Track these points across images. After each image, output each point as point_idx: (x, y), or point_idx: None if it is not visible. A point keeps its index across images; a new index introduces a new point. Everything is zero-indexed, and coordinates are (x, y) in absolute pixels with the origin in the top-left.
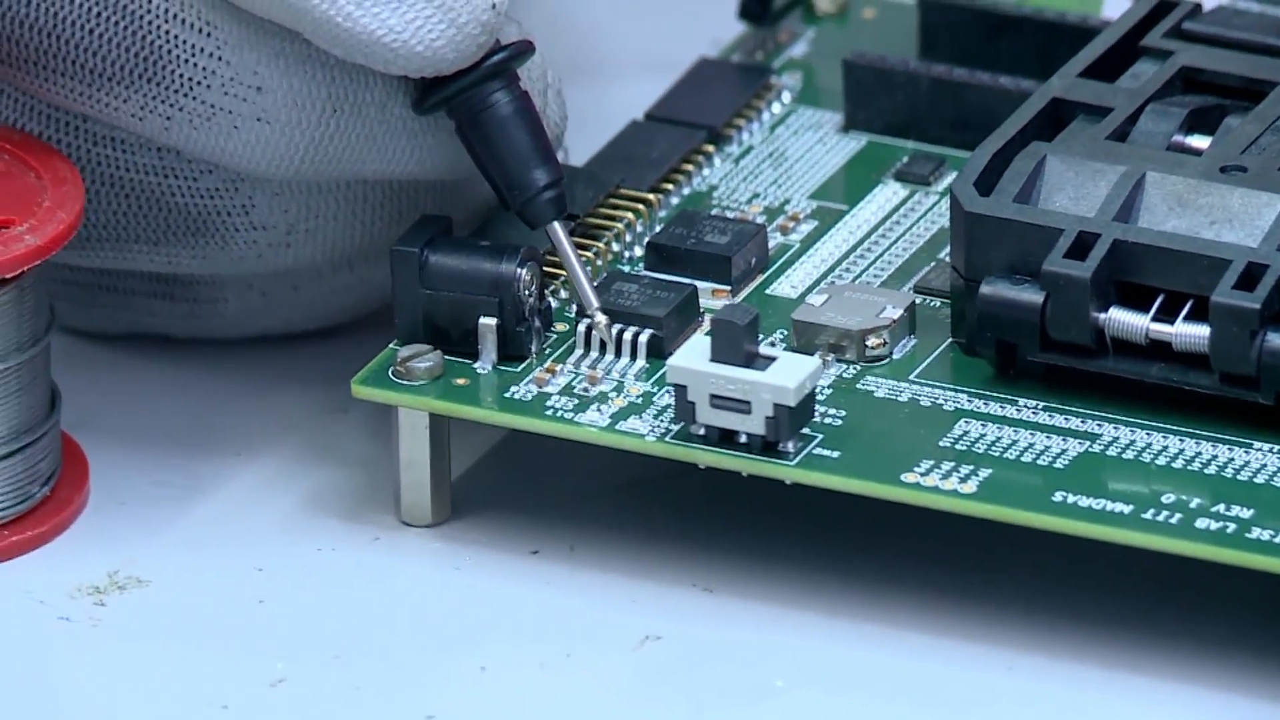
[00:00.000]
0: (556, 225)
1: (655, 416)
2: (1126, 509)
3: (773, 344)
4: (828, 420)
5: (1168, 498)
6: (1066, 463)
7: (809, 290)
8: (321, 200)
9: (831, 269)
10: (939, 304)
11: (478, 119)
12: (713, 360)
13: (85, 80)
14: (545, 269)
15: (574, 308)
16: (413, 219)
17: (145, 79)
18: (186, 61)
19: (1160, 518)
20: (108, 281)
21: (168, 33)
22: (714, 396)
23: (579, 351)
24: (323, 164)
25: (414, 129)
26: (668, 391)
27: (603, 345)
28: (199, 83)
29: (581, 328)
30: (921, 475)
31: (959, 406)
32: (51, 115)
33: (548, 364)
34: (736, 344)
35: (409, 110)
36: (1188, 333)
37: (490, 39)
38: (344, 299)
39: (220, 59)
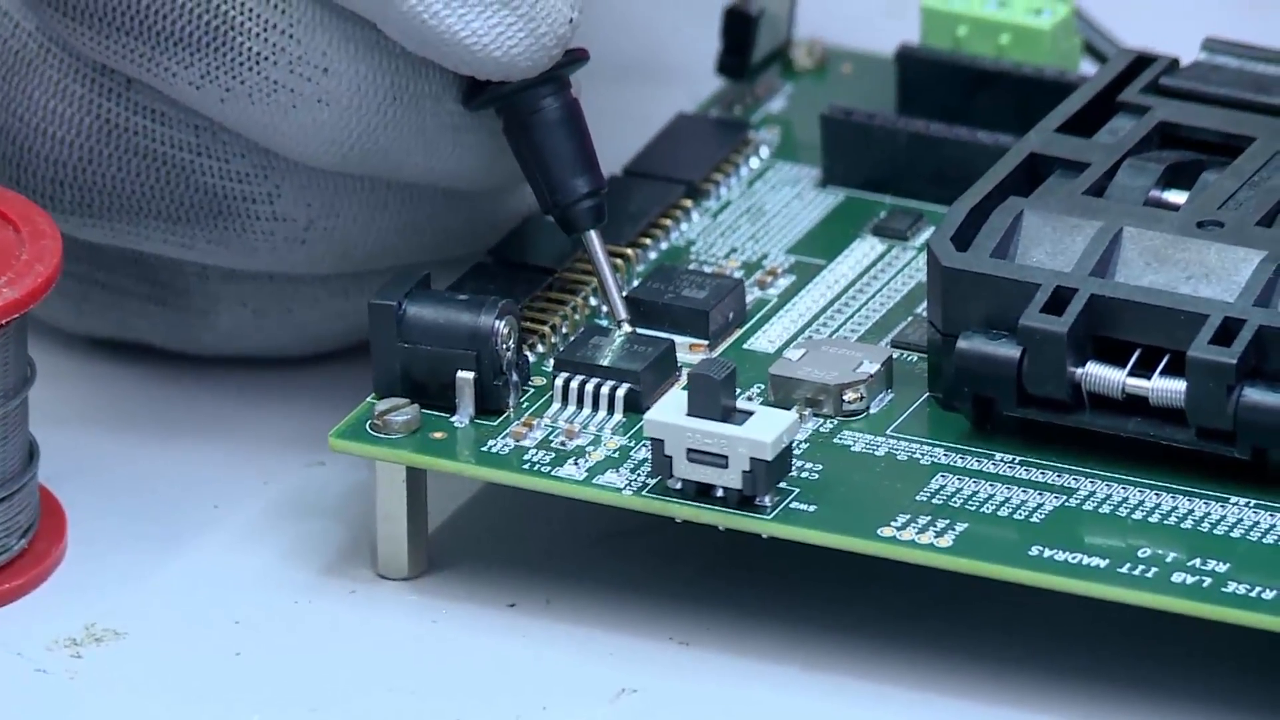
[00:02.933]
0: (593, 234)
1: (632, 470)
2: (1102, 563)
3: (750, 398)
4: (805, 474)
5: (1144, 552)
6: (1043, 517)
7: (786, 345)
8: (344, 200)
9: (809, 324)
10: (916, 359)
11: (528, 121)
12: (690, 414)
13: (149, 41)
14: (524, 323)
15: (551, 362)
16: (427, 233)
17: (212, 48)
18: (257, 35)
19: (1136, 572)
20: (103, 278)
21: (243, 4)
22: (691, 450)
23: (556, 405)
24: (370, 154)
25: (462, 126)
26: (645, 445)
27: (580, 398)
28: (266, 58)
29: (559, 381)
30: (898, 529)
31: (936, 461)
32: (97, 79)
33: (525, 417)
34: (714, 398)
35: (459, 106)
36: (1164, 387)
37: (562, 50)
38: (335, 326)
39: (291, 37)
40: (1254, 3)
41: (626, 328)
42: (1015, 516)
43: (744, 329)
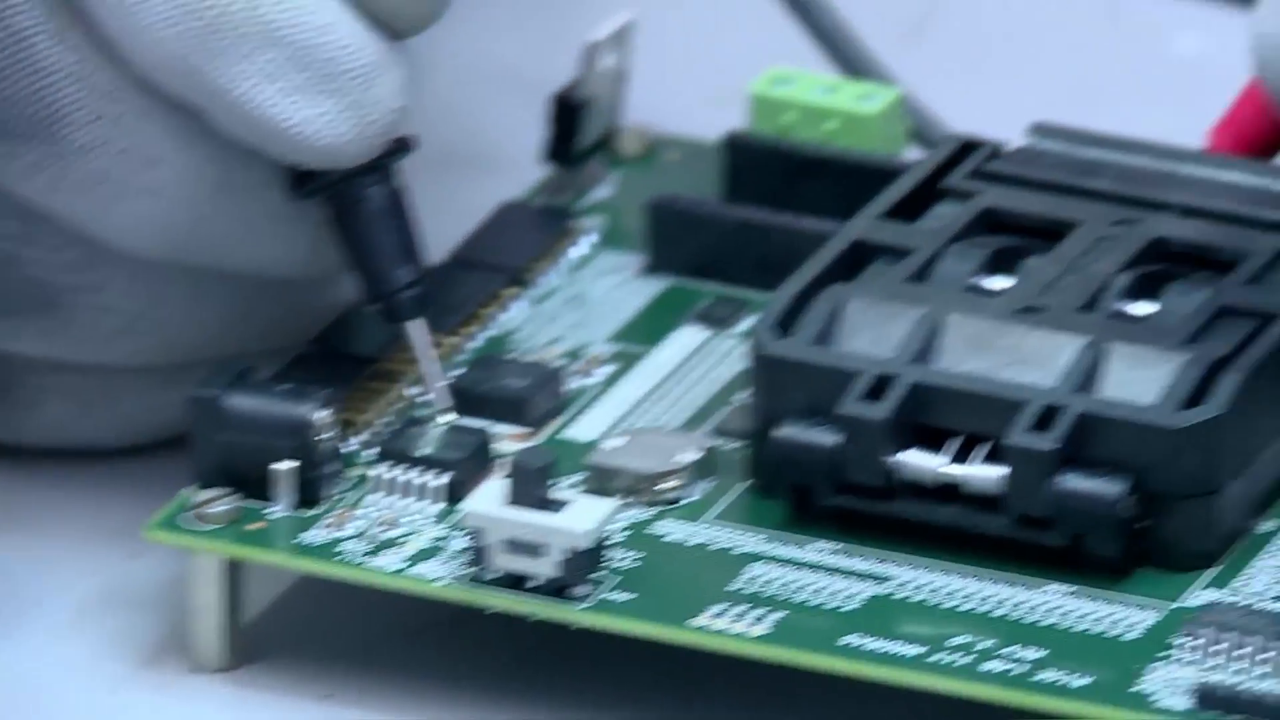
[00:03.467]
0: (415, 323)
1: (450, 560)
2: (916, 651)
3: (568, 488)
4: (621, 564)
5: (957, 639)
6: (858, 605)
7: (607, 433)
8: (171, 290)
9: (629, 412)
10: (736, 447)
11: (352, 210)
12: (508, 504)
13: None
14: (344, 412)
15: (371, 451)
16: (253, 323)
17: (41, 139)
18: (86, 126)
19: (949, 660)
20: None
21: (73, 95)
22: (508, 540)
23: (375, 495)
24: (197, 245)
25: (288, 216)
26: (464, 535)
27: (400, 488)
28: (95, 149)
29: (378, 471)
30: (713, 618)
31: (752, 550)
32: None
33: (344, 508)
34: (532, 488)
35: (286, 196)
36: (982, 475)
37: (389, 138)
38: (159, 417)
39: (120, 128)
40: (1079, 89)
41: (448, 417)
42: (831, 605)
43: (564, 418)
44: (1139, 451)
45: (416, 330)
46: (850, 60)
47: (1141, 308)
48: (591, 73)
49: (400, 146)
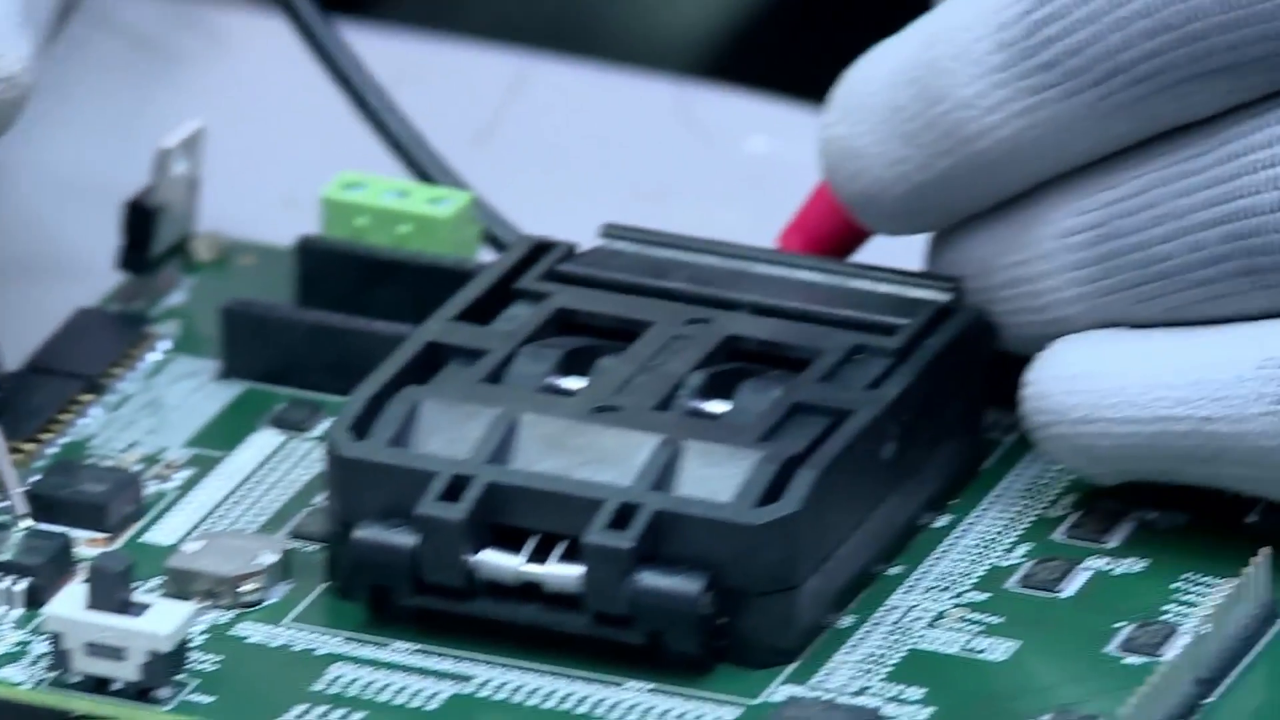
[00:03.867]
0: None
1: (32, 664)
2: None
3: (148, 591)
4: (202, 666)
5: None
6: (439, 704)
7: (185, 537)
8: None
9: (207, 515)
10: (315, 549)
11: None
12: (88, 608)
13: None
14: None
15: None
16: None
17: None
18: None
19: None
20: None
21: None
22: (89, 644)
23: None
24: None
25: None
26: (44, 639)
27: None
28: None
29: None
30: (297, 719)
31: (333, 650)
32: None
33: None
34: (112, 591)
35: None
36: (560, 574)
37: None
38: None
39: None
40: (649, 190)
41: (26, 522)
42: (412, 704)
43: (143, 522)
44: (716, 548)
45: None
46: (420, 165)
47: (716, 406)
48: (164, 179)
49: None
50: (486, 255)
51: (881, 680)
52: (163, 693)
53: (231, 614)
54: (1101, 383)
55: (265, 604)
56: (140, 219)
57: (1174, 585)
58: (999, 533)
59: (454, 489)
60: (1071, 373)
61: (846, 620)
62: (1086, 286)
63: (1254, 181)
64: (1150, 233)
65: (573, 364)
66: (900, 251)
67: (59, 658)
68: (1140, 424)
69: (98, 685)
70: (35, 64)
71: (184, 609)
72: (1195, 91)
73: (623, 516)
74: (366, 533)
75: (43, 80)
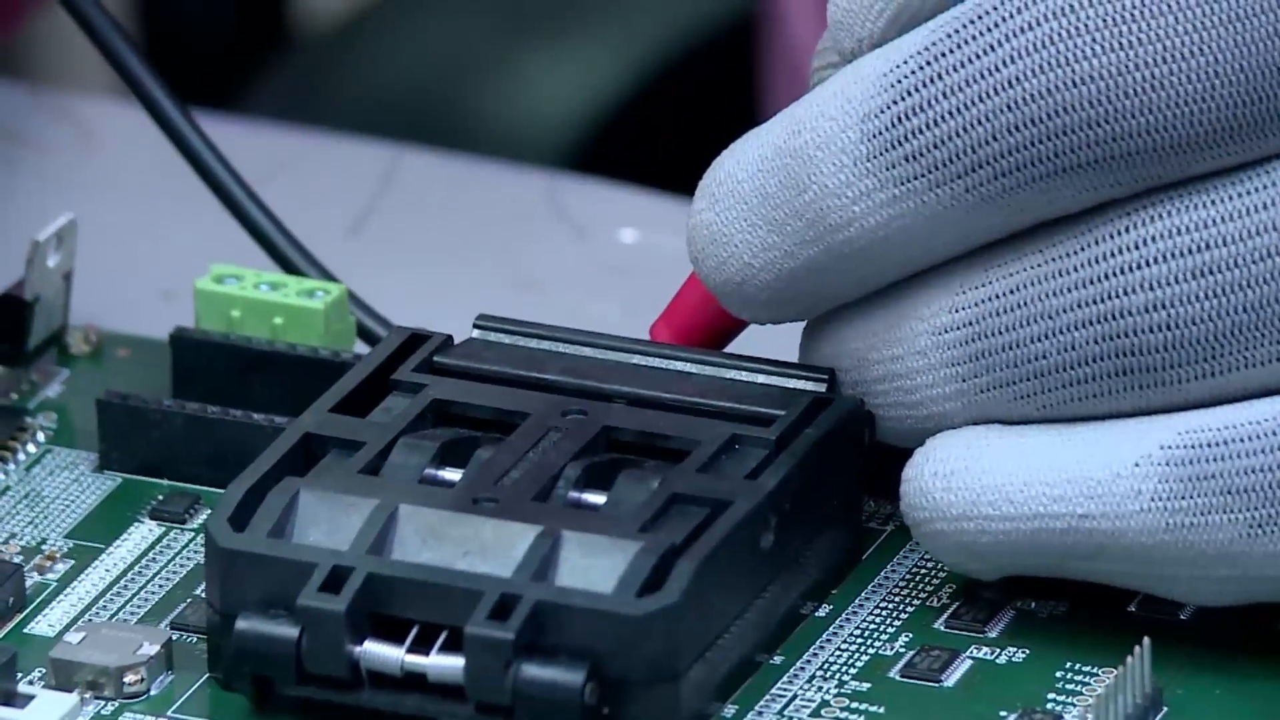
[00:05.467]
0: None
1: None
2: None
3: (31, 682)
4: None
5: None
6: None
7: (67, 628)
8: None
9: (89, 606)
10: (196, 639)
11: None
12: None
13: None
14: None
15: None
16: None
17: None
18: None
19: None
20: None
21: None
22: None
23: None
24: None
25: None
26: None
27: None
28: None
29: None
30: None
31: None
32: None
33: None
34: None
35: None
36: (442, 664)
37: None
38: None
39: None
40: (522, 281)
41: None
42: None
43: (24, 613)
44: (598, 639)
45: None
46: (286, 258)
47: (594, 497)
48: (37, 272)
49: None
50: (361, 348)
51: None
52: None
53: (115, 705)
54: (979, 480)
55: (148, 695)
56: (14, 312)
57: (1057, 674)
58: (880, 622)
59: (335, 580)
60: (949, 469)
61: (730, 710)
62: (961, 384)
63: (1125, 282)
64: (1023, 331)
65: (450, 455)
66: (777, 343)
67: None
68: (1018, 521)
69: None
70: None
71: (68, 700)
72: (1062, 186)
73: (504, 607)
74: (248, 623)
75: None
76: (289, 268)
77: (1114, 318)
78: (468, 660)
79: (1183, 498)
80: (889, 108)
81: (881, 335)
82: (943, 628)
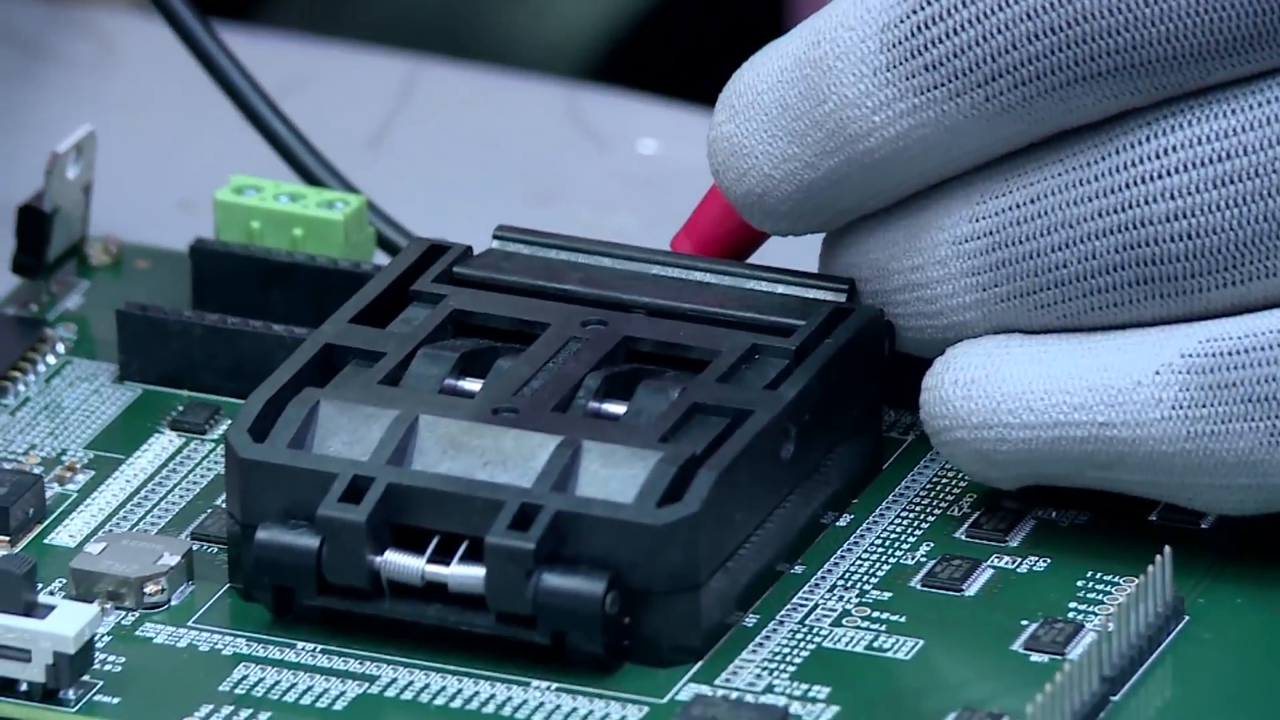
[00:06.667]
0: None
1: None
2: None
3: (52, 593)
4: (108, 667)
5: None
6: (345, 704)
7: (87, 539)
8: None
9: (109, 517)
10: (217, 550)
11: None
12: None
13: None
14: None
15: None
16: None
17: None
18: None
19: None
20: None
21: None
22: None
23: None
24: None
25: None
26: None
27: None
28: None
29: None
30: (202, 719)
31: (238, 651)
32: None
33: None
34: (15, 593)
35: None
36: (463, 574)
37: None
38: None
39: None
40: (542, 193)
41: None
42: (318, 704)
43: (45, 524)
44: (618, 549)
45: None
46: (309, 170)
47: (615, 407)
48: (56, 183)
49: None
50: (380, 259)
51: (787, 679)
52: (69, 694)
53: (135, 615)
54: (1000, 388)
55: (169, 605)
56: (34, 223)
57: (1078, 583)
58: (901, 532)
59: (355, 490)
60: (970, 377)
61: (751, 619)
62: (982, 293)
63: (1146, 191)
64: (1044, 240)
65: (470, 366)
66: (797, 255)
67: None
68: (1039, 429)
69: (3, 687)
70: None
71: (88, 611)
72: (1081, 95)
73: (524, 517)
74: (269, 534)
75: None
76: (309, 179)
77: (1135, 227)
78: (488, 570)
79: (1203, 406)
80: (908, 17)
81: (902, 245)
82: (964, 537)
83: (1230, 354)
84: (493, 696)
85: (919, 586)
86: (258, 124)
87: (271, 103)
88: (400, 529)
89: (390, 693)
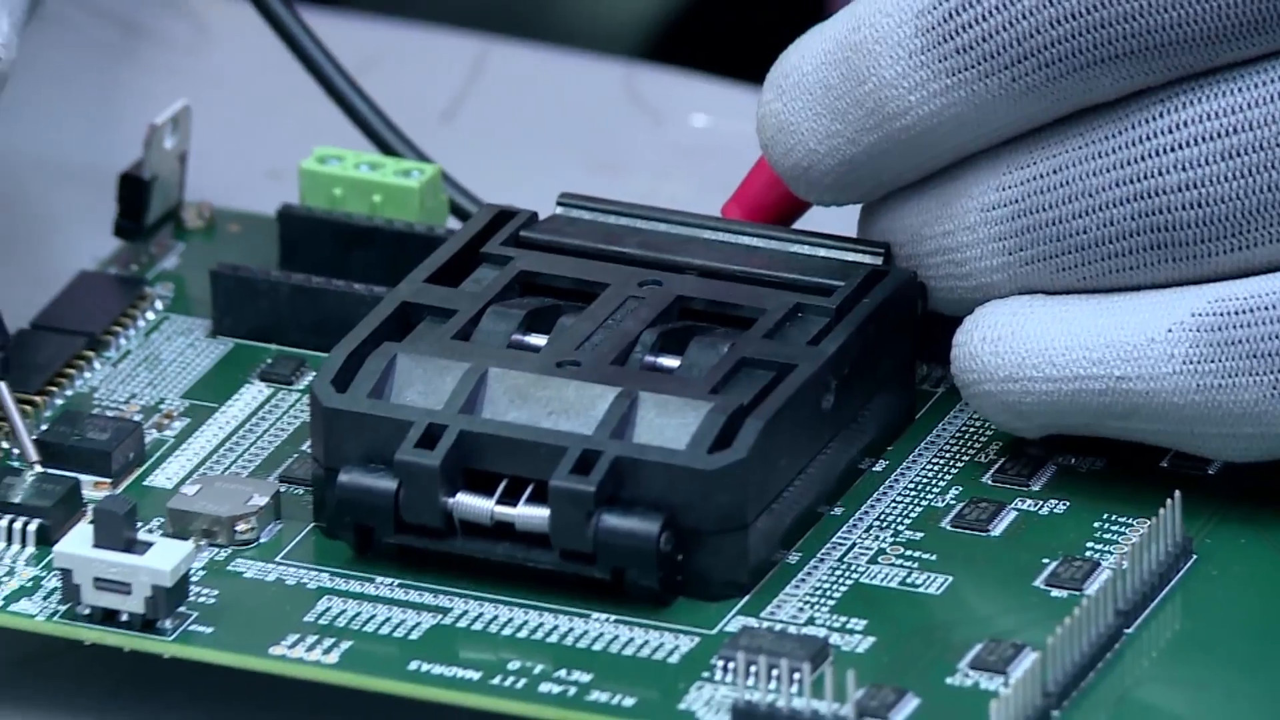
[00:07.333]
0: (1, 384)
1: (45, 598)
2: (476, 675)
3: (150, 531)
4: (202, 599)
5: (514, 665)
6: (420, 634)
7: (183, 481)
8: None
9: (203, 461)
10: (303, 492)
11: None
12: (95, 546)
13: None
14: None
15: None
16: None
17: None
18: None
19: (507, 683)
20: None
21: None
22: (97, 579)
23: None
24: None
25: None
26: (56, 575)
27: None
28: None
29: None
30: (288, 648)
31: (322, 585)
32: None
33: None
34: (116, 531)
35: None
36: (529, 514)
37: None
38: None
39: None
40: (601, 163)
41: (37, 468)
42: (395, 634)
43: (144, 467)
44: (672, 491)
45: (1, 390)
46: (386, 142)
47: (669, 361)
48: (154, 153)
49: None
50: (453, 223)
51: (827, 612)
52: (166, 624)
53: (227, 551)
54: (1024, 344)
55: (258, 542)
56: (135, 189)
57: (1094, 524)
58: (932, 477)
59: (429, 437)
60: (996, 335)
61: (794, 557)
62: (1008, 257)
63: (1160, 163)
64: (1065, 208)
65: (536, 322)
66: (837, 221)
67: (69, 592)
68: (1060, 382)
69: (106, 617)
70: (15, 41)
71: (184, 547)
72: (1101, 75)
73: (585, 462)
74: (350, 477)
75: (41, 64)
76: (387, 150)
77: (1149, 196)
78: (552, 511)
79: (1211, 361)
80: (941, 4)
81: (934, 213)
82: (990, 481)
83: (1236, 313)
84: (556, 627)
85: (949, 527)
86: (338, 99)
87: (351, 79)
88: (471, 473)
89: (461, 624)
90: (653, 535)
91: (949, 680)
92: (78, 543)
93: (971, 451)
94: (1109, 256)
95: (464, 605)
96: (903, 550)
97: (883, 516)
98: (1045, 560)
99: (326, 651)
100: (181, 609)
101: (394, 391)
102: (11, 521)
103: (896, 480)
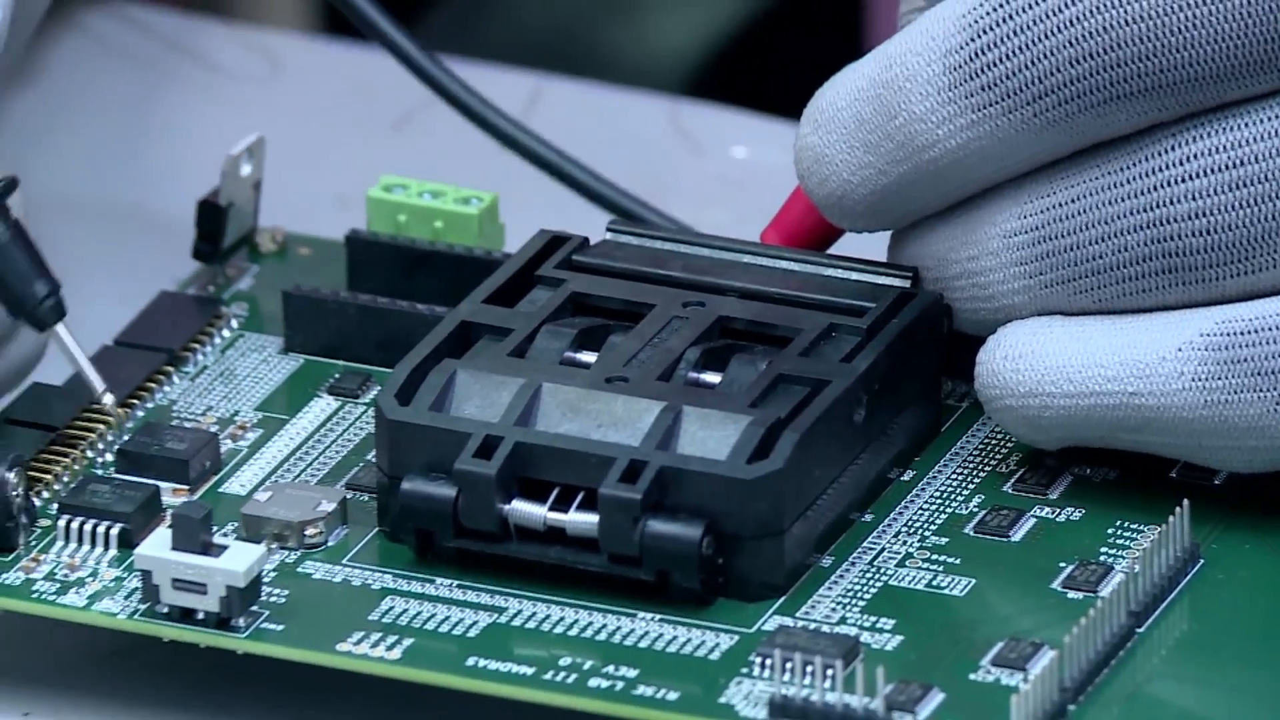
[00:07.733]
0: (60, 326)
1: (126, 598)
2: (529, 671)
3: (225, 535)
4: (274, 599)
5: (564, 661)
6: (478, 632)
7: (256, 488)
8: None
9: (275, 470)
10: (367, 498)
11: None
12: (174, 549)
13: None
14: (31, 472)
15: (55, 506)
16: None
17: None
18: None
19: (558, 679)
20: None
21: None
22: (175, 580)
23: (60, 543)
24: None
25: None
26: (136, 576)
27: (80, 536)
28: None
29: (61, 522)
30: (354, 645)
31: (385, 585)
32: None
33: (33, 554)
34: (194, 535)
35: None
36: (579, 520)
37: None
38: None
39: None
40: (645, 193)
41: (107, 399)
42: (454, 632)
43: (219, 475)
44: (714, 499)
45: (62, 332)
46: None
47: (711, 377)
48: (230, 181)
49: (11, 184)
50: (510, 247)
51: (858, 612)
52: (240, 622)
53: (297, 554)
54: (1043, 362)
55: (326, 545)
56: (212, 215)
57: (1108, 531)
58: (957, 486)
59: (486, 448)
60: (1017, 353)
61: (827, 561)
62: (1029, 280)
63: (1171, 194)
64: (1083, 235)
65: (587, 341)
66: (868, 247)
67: (149, 592)
68: (1077, 398)
69: (183, 615)
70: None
71: (256, 550)
72: (1116, 111)
73: (632, 472)
74: (412, 485)
75: (129, 100)
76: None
77: (1161, 224)
78: (601, 517)
79: (1218, 378)
80: (967, 44)
81: (960, 239)
82: (1010, 490)
83: (1242, 333)
84: (604, 626)
85: (972, 533)
86: (517, 148)
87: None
88: (525, 481)
89: (516, 622)
90: (695, 540)
91: (972, 676)
92: (157, 546)
93: (993, 462)
94: (1123, 280)
95: (518, 605)
96: (929, 554)
97: (910, 523)
98: (1062, 564)
99: (389, 648)
100: (254, 608)
101: (453, 405)
102: (95, 526)
103: (923, 489)
